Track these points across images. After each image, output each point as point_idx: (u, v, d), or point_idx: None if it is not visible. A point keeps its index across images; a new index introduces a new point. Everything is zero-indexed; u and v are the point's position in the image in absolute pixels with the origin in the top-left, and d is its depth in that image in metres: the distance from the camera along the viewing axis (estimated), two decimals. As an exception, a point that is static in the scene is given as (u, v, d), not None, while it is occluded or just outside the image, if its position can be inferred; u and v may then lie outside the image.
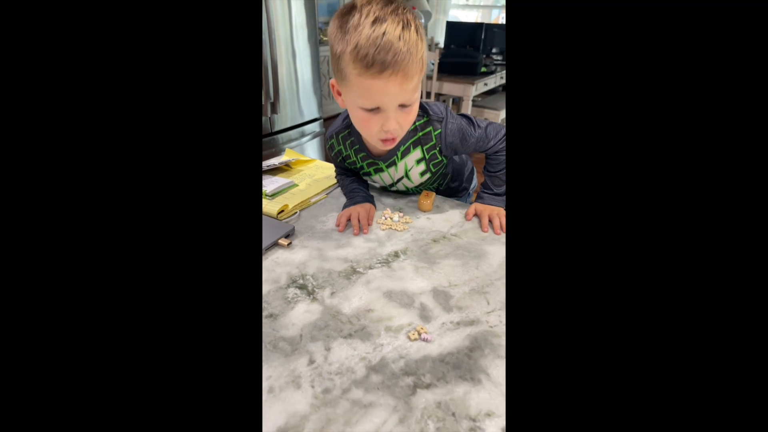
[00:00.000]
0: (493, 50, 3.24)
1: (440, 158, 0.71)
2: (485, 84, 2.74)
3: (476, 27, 3.08)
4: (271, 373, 0.41)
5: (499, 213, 0.68)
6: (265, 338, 0.45)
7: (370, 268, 0.57)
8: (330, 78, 0.63)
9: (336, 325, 0.47)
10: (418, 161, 0.71)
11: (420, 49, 0.53)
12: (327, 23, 3.71)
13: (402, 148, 0.69)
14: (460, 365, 0.42)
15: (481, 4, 4.49)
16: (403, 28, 0.51)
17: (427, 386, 0.40)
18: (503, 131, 0.69)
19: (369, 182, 0.82)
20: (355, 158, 0.74)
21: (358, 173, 0.79)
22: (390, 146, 0.62)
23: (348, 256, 0.60)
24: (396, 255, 0.60)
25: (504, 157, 0.70)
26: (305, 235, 0.65)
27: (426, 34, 0.57)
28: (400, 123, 0.58)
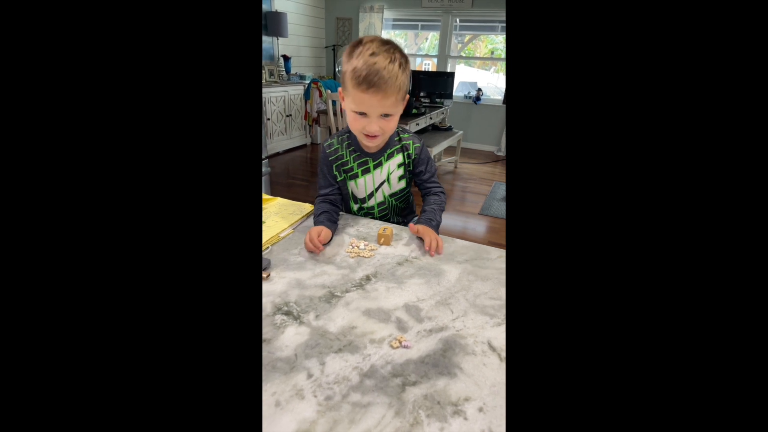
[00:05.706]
0: (421, 94, 3.58)
1: (411, 168, 0.93)
2: (417, 124, 3.00)
3: (405, 73, 3.41)
4: (275, 389, 0.45)
5: (438, 239, 0.79)
6: (263, 361, 0.49)
7: (347, 291, 0.64)
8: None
9: (326, 342, 0.52)
10: (399, 165, 0.91)
11: (399, 78, 0.73)
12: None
13: (388, 152, 0.90)
14: (437, 364, 0.50)
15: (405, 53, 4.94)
16: (390, 62, 0.72)
17: (414, 383, 0.47)
18: (437, 179, 0.96)
19: (348, 189, 0.95)
20: (348, 158, 0.91)
21: (332, 203, 0.90)
22: (371, 142, 0.83)
23: (325, 283, 0.66)
24: (368, 278, 0.68)
25: (435, 198, 0.93)
26: (281, 267, 0.70)
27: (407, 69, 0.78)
28: (382, 127, 0.79)
